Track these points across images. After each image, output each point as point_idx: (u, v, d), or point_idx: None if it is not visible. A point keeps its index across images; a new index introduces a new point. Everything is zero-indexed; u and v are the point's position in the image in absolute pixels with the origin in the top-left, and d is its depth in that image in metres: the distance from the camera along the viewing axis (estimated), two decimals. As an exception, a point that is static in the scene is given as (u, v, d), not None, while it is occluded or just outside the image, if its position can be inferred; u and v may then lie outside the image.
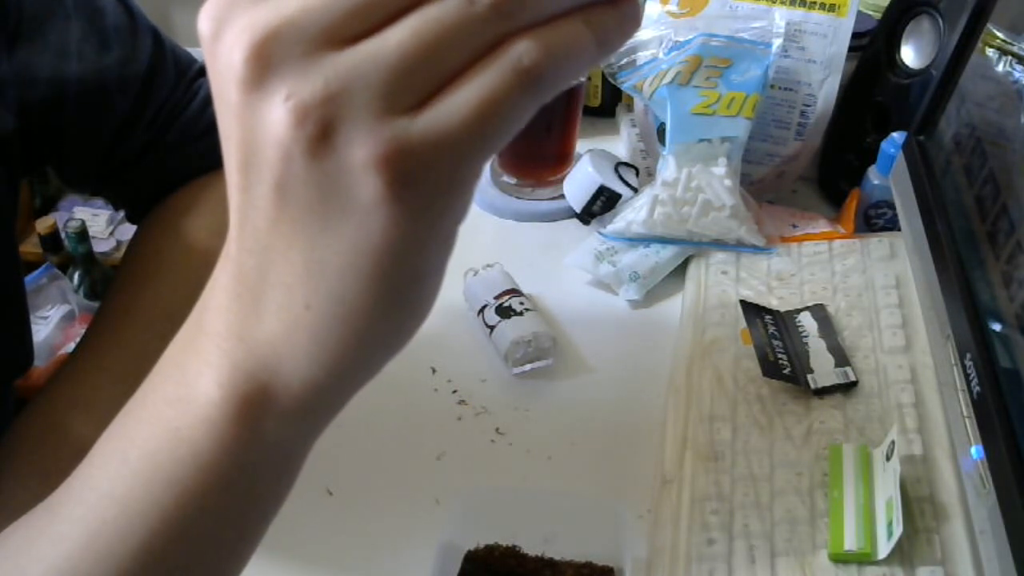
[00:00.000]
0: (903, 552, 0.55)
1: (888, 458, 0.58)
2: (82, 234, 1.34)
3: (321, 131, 0.24)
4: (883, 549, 0.55)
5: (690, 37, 0.81)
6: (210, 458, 0.30)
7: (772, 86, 0.84)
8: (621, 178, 0.85)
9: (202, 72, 0.66)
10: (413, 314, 0.28)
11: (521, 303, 0.74)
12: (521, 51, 0.24)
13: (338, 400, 0.30)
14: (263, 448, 0.30)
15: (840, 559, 0.56)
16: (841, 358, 0.69)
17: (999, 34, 0.66)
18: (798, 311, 0.74)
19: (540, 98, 0.25)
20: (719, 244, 0.81)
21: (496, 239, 0.88)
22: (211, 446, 0.30)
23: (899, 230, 0.74)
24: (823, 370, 0.68)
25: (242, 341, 0.28)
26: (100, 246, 1.58)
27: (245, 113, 0.25)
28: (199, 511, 0.31)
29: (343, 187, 0.25)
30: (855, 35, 0.83)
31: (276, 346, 0.28)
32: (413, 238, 0.26)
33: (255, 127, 0.25)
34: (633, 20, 0.26)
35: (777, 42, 0.81)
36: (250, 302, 0.28)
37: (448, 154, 0.24)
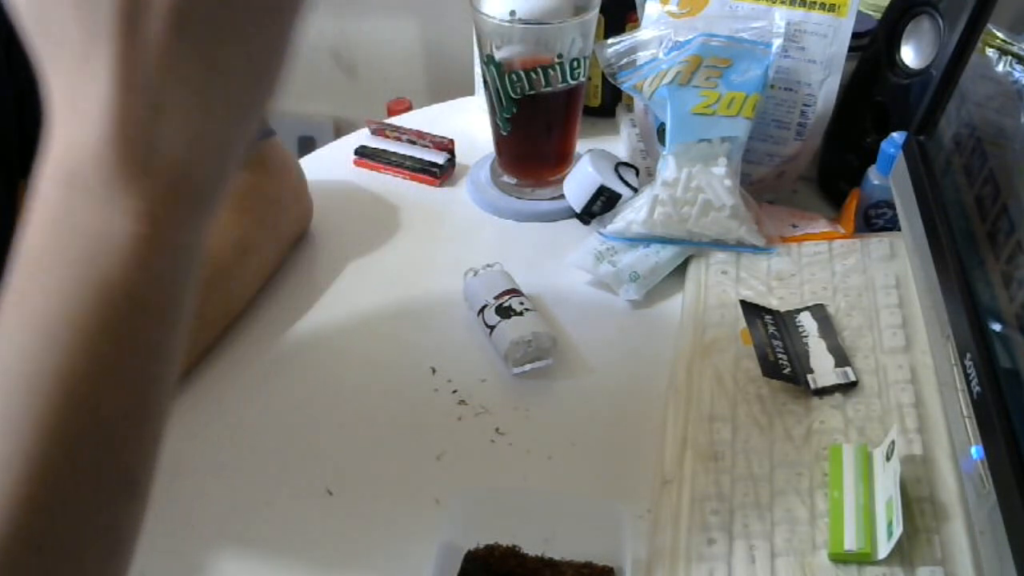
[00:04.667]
0: (903, 552, 0.55)
1: (888, 458, 0.58)
2: (82, 234, 1.34)
3: None
4: (883, 549, 0.55)
5: (690, 37, 0.81)
6: (106, 250, 0.31)
7: (772, 86, 0.84)
8: (621, 178, 0.85)
9: None
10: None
11: (521, 303, 0.74)
12: None
13: (219, 166, 0.33)
14: (159, 232, 0.32)
15: (840, 559, 0.56)
16: (841, 358, 0.69)
17: (999, 34, 0.66)
18: (798, 311, 0.74)
19: None
20: (719, 244, 0.81)
21: (496, 239, 0.88)
22: (105, 229, 0.31)
23: (899, 230, 0.74)
24: (823, 370, 0.68)
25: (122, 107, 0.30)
26: (100, 246, 1.58)
27: None
28: (104, 328, 0.31)
29: None
30: (855, 35, 0.83)
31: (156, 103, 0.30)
32: None
33: None
34: None
35: (777, 42, 0.81)
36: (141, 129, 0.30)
37: None
